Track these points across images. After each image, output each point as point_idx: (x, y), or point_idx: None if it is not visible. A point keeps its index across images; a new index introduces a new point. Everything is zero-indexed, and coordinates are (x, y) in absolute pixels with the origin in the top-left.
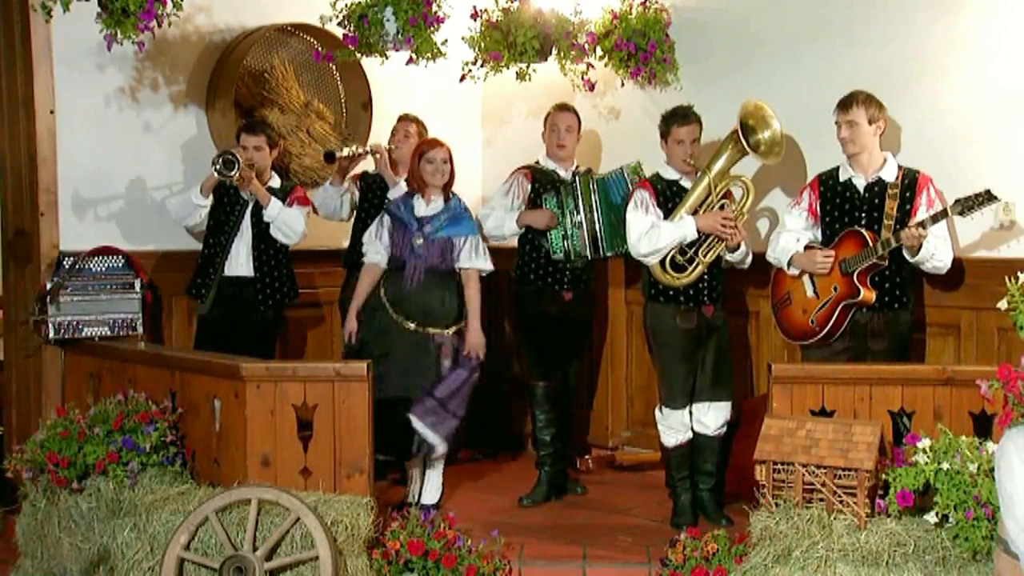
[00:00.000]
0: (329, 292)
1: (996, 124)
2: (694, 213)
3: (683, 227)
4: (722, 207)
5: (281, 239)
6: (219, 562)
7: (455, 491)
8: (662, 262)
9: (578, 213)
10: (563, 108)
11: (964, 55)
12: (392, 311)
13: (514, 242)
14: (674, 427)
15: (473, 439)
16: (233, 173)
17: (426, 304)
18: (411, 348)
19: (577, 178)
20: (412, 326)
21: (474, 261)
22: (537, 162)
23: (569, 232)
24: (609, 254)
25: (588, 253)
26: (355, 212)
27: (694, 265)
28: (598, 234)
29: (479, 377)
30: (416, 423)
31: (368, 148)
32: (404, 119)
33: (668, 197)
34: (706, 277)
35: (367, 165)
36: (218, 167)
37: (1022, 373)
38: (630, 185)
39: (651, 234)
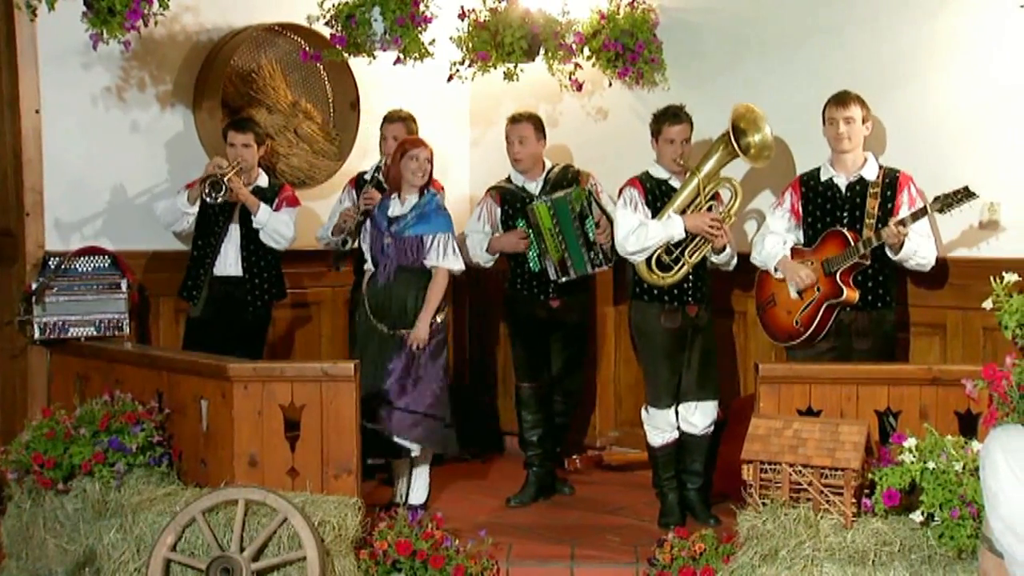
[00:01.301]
0: (317, 292)
1: (983, 124)
2: (682, 213)
3: (671, 227)
4: (710, 208)
5: (271, 245)
6: (206, 563)
7: (443, 491)
8: (648, 261)
9: (542, 241)
10: (514, 120)
11: (951, 56)
12: (369, 312)
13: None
14: (660, 427)
15: (462, 440)
16: (222, 193)
17: (400, 303)
18: (381, 349)
19: (533, 206)
20: (384, 328)
21: (441, 260)
22: (508, 178)
23: (540, 255)
24: (579, 274)
25: (559, 277)
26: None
27: (679, 265)
28: (564, 258)
29: (446, 375)
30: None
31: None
32: (390, 123)
33: (657, 196)
34: (691, 277)
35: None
36: (206, 191)
37: (1007, 372)
38: (572, 211)
39: (639, 232)
